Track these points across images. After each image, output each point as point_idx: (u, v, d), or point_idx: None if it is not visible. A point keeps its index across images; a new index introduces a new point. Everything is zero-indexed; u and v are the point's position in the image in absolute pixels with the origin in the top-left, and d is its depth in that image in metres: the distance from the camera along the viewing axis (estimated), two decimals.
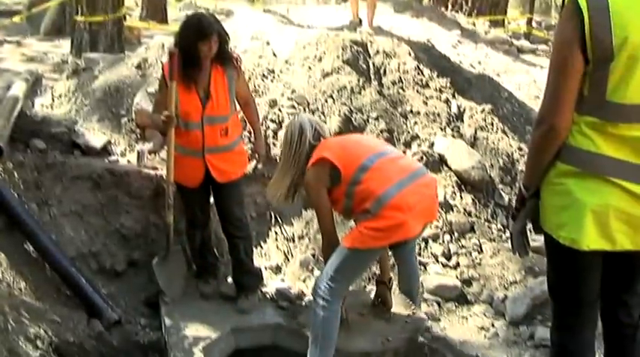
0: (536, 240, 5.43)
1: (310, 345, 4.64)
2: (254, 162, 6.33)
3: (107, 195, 6.02)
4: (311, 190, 4.75)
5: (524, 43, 13.86)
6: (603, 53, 2.90)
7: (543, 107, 3.11)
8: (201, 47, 5.14)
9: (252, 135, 6.14)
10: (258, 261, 6.30)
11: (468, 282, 6.22)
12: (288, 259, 6.54)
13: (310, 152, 4.75)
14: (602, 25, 2.88)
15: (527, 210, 3.38)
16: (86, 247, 5.83)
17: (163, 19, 19.59)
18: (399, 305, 5.27)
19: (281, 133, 6.91)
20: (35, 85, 8.57)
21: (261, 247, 6.59)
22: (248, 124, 6.07)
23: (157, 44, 7.60)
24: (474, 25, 13.60)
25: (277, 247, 6.62)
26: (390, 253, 5.31)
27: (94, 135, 6.69)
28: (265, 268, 6.31)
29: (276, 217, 6.75)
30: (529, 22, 16.49)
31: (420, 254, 6.32)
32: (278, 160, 5.16)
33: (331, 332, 4.62)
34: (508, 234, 5.31)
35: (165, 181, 5.60)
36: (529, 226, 3.49)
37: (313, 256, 6.44)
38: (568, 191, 3.08)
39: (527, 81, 10.40)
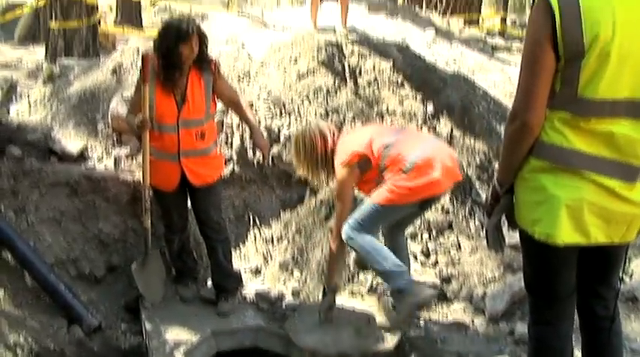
0: (514, 236, 5.51)
1: (377, 264, 5.21)
2: (231, 165, 6.34)
3: (85, 201, 6.00)
4: (344, 186, 5.29)
5: (498, 41, 13.96)
6: (574, 50, 2.92)
7: (516, 103, 3.13)
8: (182, 49, 5.14)
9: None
10: (238, 263, 6.31)
11: (447, 279, 6.23)
12: (268, 261, 6.55)
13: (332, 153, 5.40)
14: (572, 22, 2.90)
15: (502, 206, 3.40)
16: (65, 253, 5.81)
17: (138, 24, 19.54)
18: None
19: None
20: (10, 91, 8.54)
21: (240, 249, 6.61)
22: (225, 128, 6.08)
23: (132, 49, 7.59)
24: (449, 24, 13.63)
25: (256, 250, 6.63)
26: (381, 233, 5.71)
27: (71, 141, 6.67)
28: (245, 271, 6.33)
29: (254, 219, 6.77)
30: (503, 20, 16.59)
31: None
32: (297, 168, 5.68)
33: (375, 244, 5.26)
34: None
35: (142, 185, 5.57)
36: (504, 221, 3.51)
37: (292, 257, 6.45)
38: (542, 187, 3.11)
39: (502, 79, 10.42)
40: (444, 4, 16.39)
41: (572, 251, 3.22)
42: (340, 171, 5.25)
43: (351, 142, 5.34)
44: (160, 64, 5.22)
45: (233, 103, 5.79)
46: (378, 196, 5.11)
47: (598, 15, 2.89)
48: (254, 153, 6.90)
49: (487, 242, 3.61)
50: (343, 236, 5.27)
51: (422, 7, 15.76)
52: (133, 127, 5.40)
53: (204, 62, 5.38)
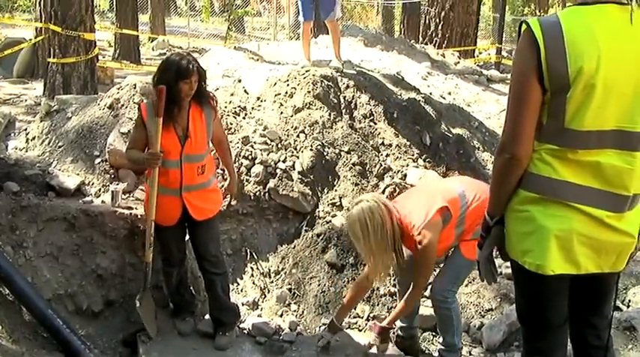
0: (510, 267, 5.51)
1: (451, 335, 5.35)
2: (228, 199, 6.37)
3: (82, 236, 5.99)
4: (431, 249, 5.05)
5: (493, 73, 14.03)
6: (559, 83, 2.95)
7: (504, 136, 3.16)
8: (182, 86, 5.20)
9: (226, 174, 6.16)
10: (235, 297, 6.32)
11: None
12: (265, 295, 6.56)
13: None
14: (557, 55, 2.93)
15: (493, 237, 3.40)
16: (62, 288, 5.80)
17: (136, 59, 19.68)
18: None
19: (255, 170, 6.96)
20: (8, 127, 8.58)
21: (238, 283, 6.61)
22: (221, 162, 6.12)
23: (130, 84, 7.63)
24: (444, 56, 13.73)
25: (253, 283, 6.64)
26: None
27: (68, 176, 6.68)
28: (242, 304, 6.33)
29: (251, 253, 6.78)
30: (498, 51, 16.69)
31: (394, 286, 6.35)
32: (365, 253, 5.24)
33: (460, 315, 5.47)
34: None
35: (145, 219, 5.57)
36: (496, 253, 3.53)
37: (290, 290, 6.47)
38: (531, 218, 3.13)
39: (497, 110, 10.49)
40: (439, 36, 16.53)
41: (563, 281, 3.24)
42: (426, 231, 4.98)
43: (421, 201, 5.14)
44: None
45: (219, 142, 5.85)
46: (473, 251, 4.71)
47: (582, 48, 2.92)
48: (249, 185, 6.93)
49: (480, 274, 3.63)
50: (438, 296, 5.28)
51: (418, 40, 15.89)
52: (140, 162, 5.45)
53: (203, 97, 5.44)
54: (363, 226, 5.01)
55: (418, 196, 5.33)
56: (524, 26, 3.06)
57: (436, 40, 16.49)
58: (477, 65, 14.54)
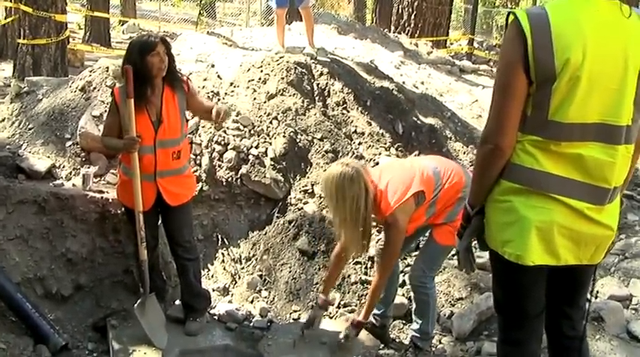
0: (482, 256, 5.53)
1: (426, 322, 5.44)
2: (200, 184, 6.33)
3: (52, 219, 5.93)
4: (400, 229, 5.01)
5: (465, 63, 14.10)
6: (545, 74, 2.96)
7: (488, 127, 3.16)
8: (149, 60, 5.11)
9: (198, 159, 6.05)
10: (206, 283, 6.29)
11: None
12: (236, 281, 6.54)
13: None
14: (544, 47, 2.93)
15: (473, 227, 3.41)
16: (32, 272, 5.73)
17: (107, 42, 19.52)
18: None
19: (227, 155, 6.94)
20: None
21: (209, 268, 6.59)
22: (194, 147, 6.06)
23: (102, 67, 7.56)
24: (417, 46, 13.75)
25: (224, 269, 6.62)
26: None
27: (39, 159, 6.62)
28: (213, 290, 6.29)
29: (222, 239, 6.76)
30: (470, 42, 16.77)
31: (366, 274, 6.37)
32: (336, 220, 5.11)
33: (436, 301, 5.56)
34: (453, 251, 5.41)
35: (135, 212, 5.33)
36: (474, 242, 3.55)
37: (260, 277, 6.46)
38: (513, 208, 3.14)
39: (470, 100, 10.53)
40: (412, 26, 16.55)
41: (542, 272, 3.26)
42: (398, 213, 4.95)
43: (397, 180, 5.04)
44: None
45: (204, 110, 5.63)
46: (446, 237, 5.05)
47: (569, 40, 2.93)
48: (223, 171, 6.91)
49: (459, 263, 3.64)
50: (415, 282, 5.36)
51: (390, 29, 15.91)
52: (118, 148, 5.36)
53: (175, 80, 5.36)
54: (338, 190, 4.90)
55: (395, 173, 5.17)
56: (511, 17, 3.06)
57: (409, 30, 16.51)
58: (449, 56, 14.58)
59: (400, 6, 17.33)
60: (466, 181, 5.02)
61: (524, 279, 3.30)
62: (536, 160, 3.09)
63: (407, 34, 15.84)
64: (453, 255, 5.68)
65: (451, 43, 18.06)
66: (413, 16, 16.71)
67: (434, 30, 16.67)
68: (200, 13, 27.62)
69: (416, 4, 16.66)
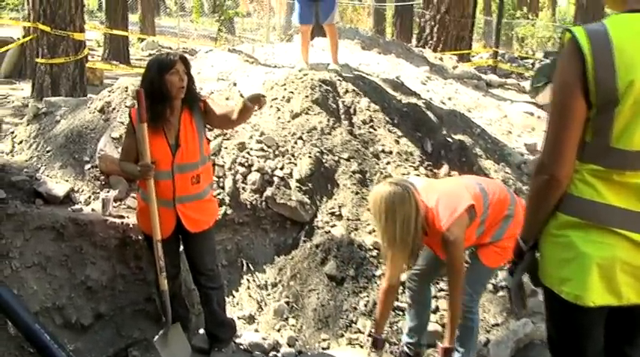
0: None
1: (468, 351, 5.21)
2: (223, 208, 6.16)
3: (71, 246, 5.79)
4: (459, 244, 4.81)
5: (492, 77, 13.97)
6: (607, 97, 2.75)
7: (543, 154, 2.96)
8: (168, 79, 4.94)
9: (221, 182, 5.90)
10: (231, 310, 6.12)
11: None
12: (262, 308, 6.36)
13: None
14: (605, 67, 2.73)
15: (526, 263, 3.22)
16: (50, 300, 5.59)
17: (126, 60, 19.57)
18: None
19: (251, 177, 6.76)
20: None
21: (233, 296, 6.41)
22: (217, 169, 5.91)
23: (121, 87, 7.44)
24: (442, 60, 13.63)
25: (250, 296, 6.44)
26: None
27: (57, 183, 6.50)
28: (238, 318, 6.13)
29: (247, 265, 6.58)
30: (494, 55, 16.62)
31: (397, 299, 6.16)
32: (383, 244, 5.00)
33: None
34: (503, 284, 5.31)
35: (153, 240, 5.18)
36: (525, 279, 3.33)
37: (287, 304, 6.27)
38: (571, 244, 2.94)
39: (499, 116, 10.39)
40: (435, 39, 16.46)
41: (602, 312, 3.04)
42: (454, 228, 4.74)
43: (447, 196, 4.89)
44: (147, 102, 4.98)
45: (228, 118, 5.30)
46: (493, 258, 4.99)
47: (633, 59, 2.72)
48: (247, 194, 6.74)
49: (510, 302, 3.44)
50: (471, 309, 5.13)
51: (410, 43, 15.83)
52: (134, 175, 5.22)
53: (193, 101, 5.18)
54: (388, 210, 4.73)
55: (442, 191, 5.01)
56: (567, 35, 2.86)
57: (431, 44, 16.45)
58: (474, 69, 14.43)
59: (423, 20, 17.29)
60: (511, 198, 5.01)
61: (584, 320, 3.08)
62: (596, 191, 2.89)
63: (430, 48, 15.75)
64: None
65: (473, 56, 17.93)
66: (436, 30, 16.61)
67: (457, 43, 16.57)
68: (219, 29, 27.61)
69: (439, 17, 16.58)
